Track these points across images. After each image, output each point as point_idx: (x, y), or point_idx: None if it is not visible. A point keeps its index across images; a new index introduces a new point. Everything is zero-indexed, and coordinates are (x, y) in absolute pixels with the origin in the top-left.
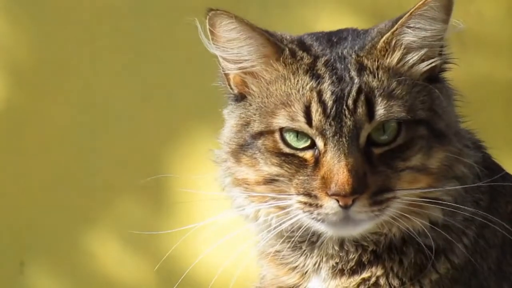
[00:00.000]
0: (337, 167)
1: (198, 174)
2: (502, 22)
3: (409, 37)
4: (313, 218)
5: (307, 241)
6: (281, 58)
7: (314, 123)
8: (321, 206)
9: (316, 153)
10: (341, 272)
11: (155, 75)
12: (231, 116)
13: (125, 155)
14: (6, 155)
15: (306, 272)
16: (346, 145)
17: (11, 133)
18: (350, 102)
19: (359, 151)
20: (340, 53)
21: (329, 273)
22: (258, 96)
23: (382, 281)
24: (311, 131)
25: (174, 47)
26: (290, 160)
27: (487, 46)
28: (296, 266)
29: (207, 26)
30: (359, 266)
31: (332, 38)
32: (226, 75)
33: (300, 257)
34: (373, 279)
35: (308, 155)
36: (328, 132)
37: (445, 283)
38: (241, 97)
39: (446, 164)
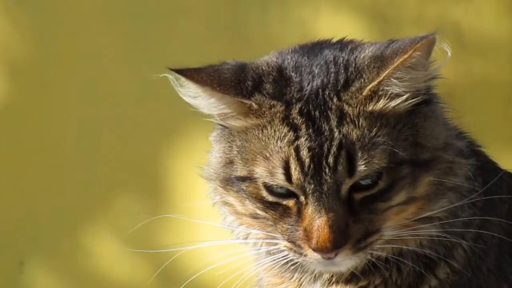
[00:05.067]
0: (317, 222)
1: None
2: (502, 22)
3: (395, 87)
4: (300, 260)
5: (299, 266)
6: (250, 114)
7: (293, 180)
8: (305, 255)
9: (298, 203)
10: (337, 283)
11: (155, 74)
12: (217, 146)
13: (125, 155)
14: (5, 154)
15: (302, 284)
16: (326, 201)
17: (10, 133)
18: (330, 160)
19: (340, 204)
20: (319, 93)
21: (324, 283)
22: (238, 138)
23: None
24: (291, 187)
25: (175, 47)
26: (274, 207)
27: (487, 46)
28: (292, 280)
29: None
30: (354, 277)
31: (313, 68)
32: None
33: (294, 273)
34: (371, 287)
35: (291, 203)
36: (307, 189)
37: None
38: (226, 126)
39: (436, 183)
